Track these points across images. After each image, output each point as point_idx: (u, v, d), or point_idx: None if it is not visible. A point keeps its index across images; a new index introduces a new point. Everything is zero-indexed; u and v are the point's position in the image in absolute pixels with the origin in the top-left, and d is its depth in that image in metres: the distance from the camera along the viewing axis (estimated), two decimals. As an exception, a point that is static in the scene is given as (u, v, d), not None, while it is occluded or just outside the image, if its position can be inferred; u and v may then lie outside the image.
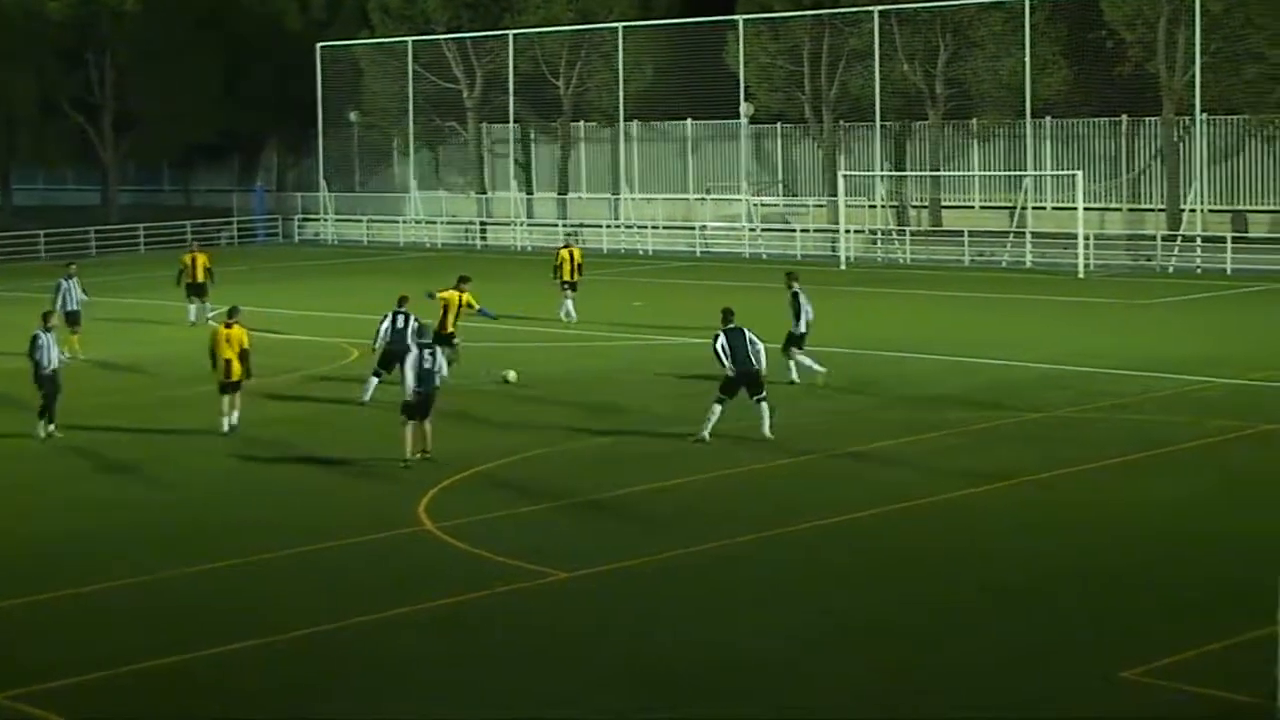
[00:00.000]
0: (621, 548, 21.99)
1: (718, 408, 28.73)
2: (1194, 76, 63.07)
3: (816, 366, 33.83)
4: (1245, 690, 15.35)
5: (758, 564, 21.37)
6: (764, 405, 28.78)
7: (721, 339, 28.67)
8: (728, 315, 29.25)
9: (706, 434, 28.63)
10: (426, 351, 27.48)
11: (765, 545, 22.15)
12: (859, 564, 21.40)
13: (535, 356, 38.86)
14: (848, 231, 65.74)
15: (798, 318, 33.94)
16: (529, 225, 77.90)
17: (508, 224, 78.64)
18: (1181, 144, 66.86)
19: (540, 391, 34.30)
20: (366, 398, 32.34)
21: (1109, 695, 15.97)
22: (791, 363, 33.88)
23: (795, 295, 33.98)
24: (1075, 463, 26.55)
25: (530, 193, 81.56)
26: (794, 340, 34.05)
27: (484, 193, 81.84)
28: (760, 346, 28.83)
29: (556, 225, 75.37)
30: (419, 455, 27.03)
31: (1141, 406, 31.79)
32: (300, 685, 17.10)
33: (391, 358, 31.36)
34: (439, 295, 35.17)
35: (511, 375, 34.86)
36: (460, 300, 35.21)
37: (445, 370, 27.44)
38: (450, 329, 34.95)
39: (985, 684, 16.52)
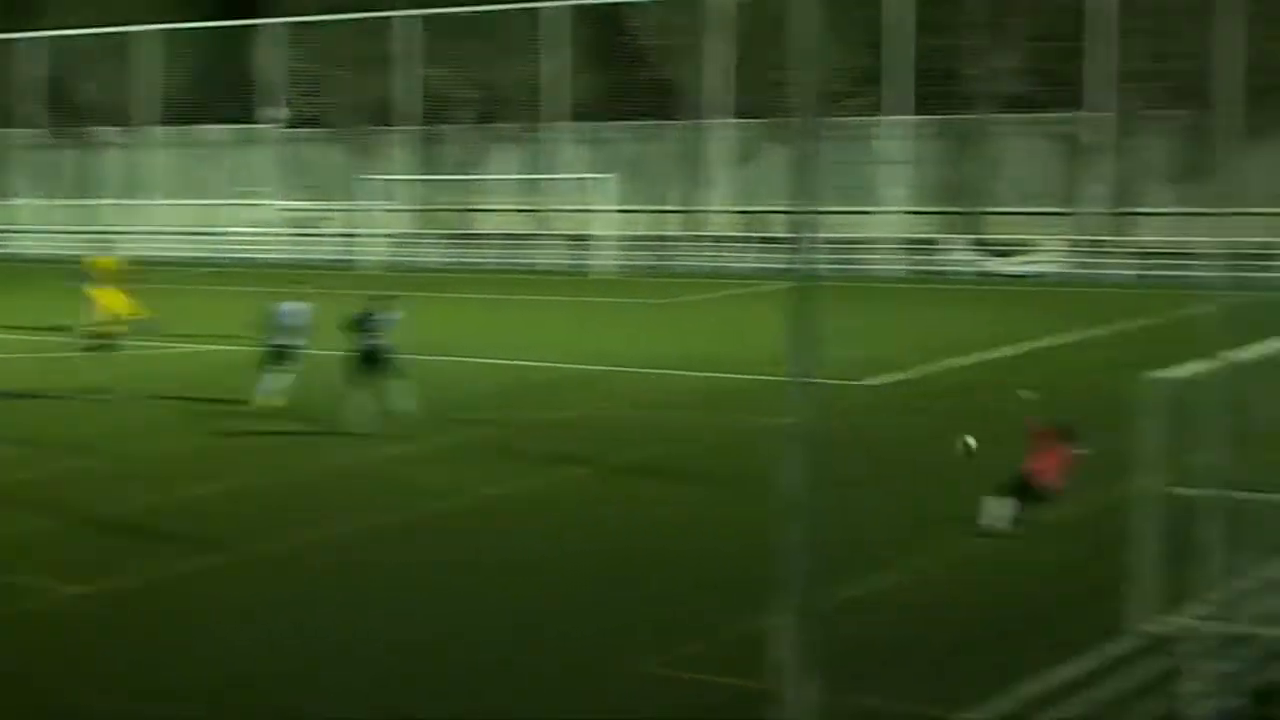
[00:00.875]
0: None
1: (358, 393, 28.88)
2: (718, 81, 64.85)
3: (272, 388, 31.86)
4: (754, 677, 15.70)
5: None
6: (395, 384, 29.05)
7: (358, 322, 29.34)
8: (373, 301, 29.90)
9: (362, 420, 28.67)
10: None
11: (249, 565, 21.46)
12: (404, 567, 21.17)
13: (44, 366, 37.46)
14: (376, 235, 65.46)
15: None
16: (48, 232, 75.39)
17: (25, 231, 75.97)
18: (703, 147, 68.67)
19: (37, 404, 33.09)
20: None
21: (629, 688, 16.14)
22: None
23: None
24: (599, 461, 26.89)
25: (50, 199, 78.97)
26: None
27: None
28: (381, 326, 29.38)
29: (77, 231, 73.13)
30: None
31: (664, 403, 32.44)
32: None
33: None
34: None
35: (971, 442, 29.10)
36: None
37: None
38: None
39: (498, 681, 16.54)
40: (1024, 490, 21.82)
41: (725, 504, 24.12)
